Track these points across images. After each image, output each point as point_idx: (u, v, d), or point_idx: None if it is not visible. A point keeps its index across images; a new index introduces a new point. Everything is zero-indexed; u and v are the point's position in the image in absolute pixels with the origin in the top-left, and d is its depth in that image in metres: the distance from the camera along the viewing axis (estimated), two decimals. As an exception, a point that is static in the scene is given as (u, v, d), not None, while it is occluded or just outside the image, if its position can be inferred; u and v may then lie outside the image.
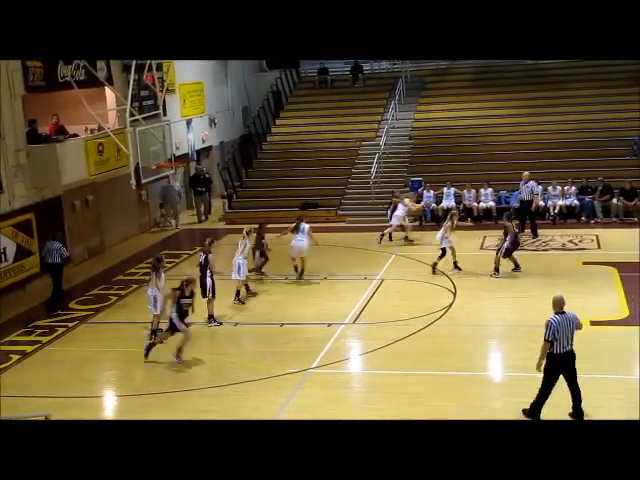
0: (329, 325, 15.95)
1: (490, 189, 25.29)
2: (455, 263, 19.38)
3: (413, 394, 12.47)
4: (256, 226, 19.23)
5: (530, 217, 22.96)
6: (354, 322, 16.28)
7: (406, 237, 22.66)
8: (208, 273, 16.37)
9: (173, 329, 14.44)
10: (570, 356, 11.36)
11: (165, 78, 26.49)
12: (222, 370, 14.09)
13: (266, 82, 33.29)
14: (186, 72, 29.22)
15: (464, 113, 29.64)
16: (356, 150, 29.11)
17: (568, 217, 24.57)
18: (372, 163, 27.34)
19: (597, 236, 22.38)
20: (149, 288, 15.62)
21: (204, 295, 16.25)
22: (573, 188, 24.83)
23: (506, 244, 18.72)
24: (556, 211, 24.61)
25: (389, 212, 23.88)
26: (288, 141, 30.49)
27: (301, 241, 19.09)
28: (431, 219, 25.36)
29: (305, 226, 19.21)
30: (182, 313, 14.38)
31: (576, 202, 24.64)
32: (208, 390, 13.15)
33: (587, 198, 24.61)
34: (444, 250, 19.25)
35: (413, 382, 13.06)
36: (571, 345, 11.37)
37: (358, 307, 16.99)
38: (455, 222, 19.54)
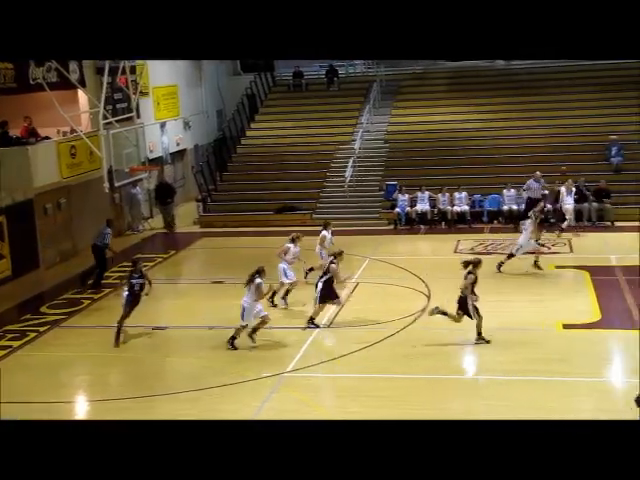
0: (304, 329, 15.90)
1: (464, 193, 25.41)
2: (536, 262, 19.23)
3: (388, 397, 12.46)
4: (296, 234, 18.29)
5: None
6: (329, 326, 16.25)
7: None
8: (324, 278, 16.04)
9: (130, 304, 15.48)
10: None
11: (139, 81, 26.34)
12: (197, 374, 14.00)
13: (241, 85, 33.21)
14: (160, 75, 29.08)
15: (439, 117, 29.77)
16: (331, 154, 29.12)
17: (541, 221, 24.68)
18: (347, 167, 27.36)
19: (569, 240, 22.54)
20: (243, 298, 15.02)
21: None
22: (546, 192, 24.98)
23: None
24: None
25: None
26: (263, 144, 30.46)
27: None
28: (406, 223, 25.44)
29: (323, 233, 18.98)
30: (133, 294, 15.48)
31: (549, 206, 24.80)
32: (182, 395, 13.04)
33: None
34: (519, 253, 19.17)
35: (388, 385, 13.06)
36: None
37: (333, 311, 16.95)
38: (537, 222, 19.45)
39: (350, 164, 27.39)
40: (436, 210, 25.43)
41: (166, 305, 18.46)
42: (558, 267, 19.85)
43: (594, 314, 16.09)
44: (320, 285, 15.93)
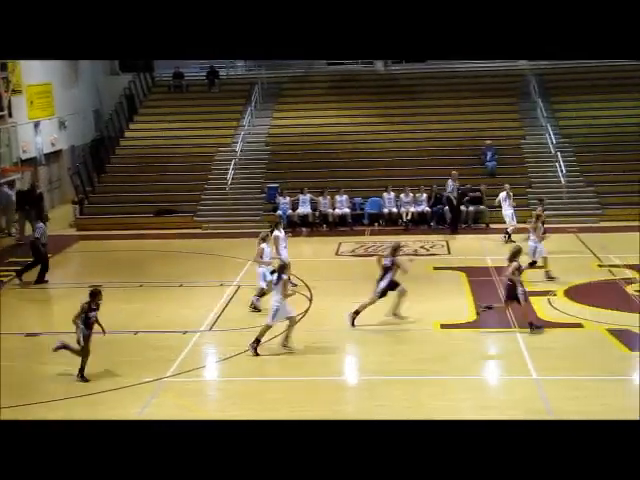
0: (185, 333, 15.68)
1: (345, 196, 25.70)
2: (547, 272, 18.56)
3: (270, 401, 12.40)
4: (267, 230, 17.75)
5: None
6: (210, 329, 16.08)
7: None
8: (388, 276, 15.61)
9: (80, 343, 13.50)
10: None
11: (10, 78, 25.42)
12: (74, 381, 13.55)
13: (119, 85, 32.53)
14: (34, 72, 28.09)
15: (320, 120, 30.02)
16: (212, 156, 28.90)
17: (420, 223, 25.32)
18: (228, 169, 27.22)
19: (447, 242, 23.15)
20: (273, 298, 14.45)
21: (380, 296, 15.66)
22: (424, 195, 25.62)
23: None
24: (408, 217, 25.32)
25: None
26: (143, 146, 29.92)
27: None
28: (287, 225, 25.47)
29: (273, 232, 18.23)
30: (89, 326, 13.48)
31: (427, 209, 25.41)
32: (59, 402, 12.60)
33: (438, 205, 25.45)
34: (534, 261, 18.61)
35: (270, 388, 13.02)
36: None
37: (214, 314, 16.80)
38: (540, 221, 18.85)
39: (231, 166, 27.27)
40: (317, 213, 25.62)
41: (41, 310, 17.84)
42: (436, 268, 20.32)
43: (470, 314, 16.53)
44: (387, 281, 15.65)
